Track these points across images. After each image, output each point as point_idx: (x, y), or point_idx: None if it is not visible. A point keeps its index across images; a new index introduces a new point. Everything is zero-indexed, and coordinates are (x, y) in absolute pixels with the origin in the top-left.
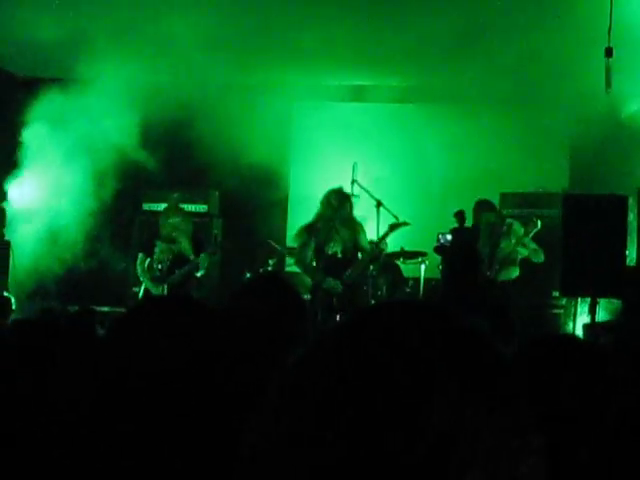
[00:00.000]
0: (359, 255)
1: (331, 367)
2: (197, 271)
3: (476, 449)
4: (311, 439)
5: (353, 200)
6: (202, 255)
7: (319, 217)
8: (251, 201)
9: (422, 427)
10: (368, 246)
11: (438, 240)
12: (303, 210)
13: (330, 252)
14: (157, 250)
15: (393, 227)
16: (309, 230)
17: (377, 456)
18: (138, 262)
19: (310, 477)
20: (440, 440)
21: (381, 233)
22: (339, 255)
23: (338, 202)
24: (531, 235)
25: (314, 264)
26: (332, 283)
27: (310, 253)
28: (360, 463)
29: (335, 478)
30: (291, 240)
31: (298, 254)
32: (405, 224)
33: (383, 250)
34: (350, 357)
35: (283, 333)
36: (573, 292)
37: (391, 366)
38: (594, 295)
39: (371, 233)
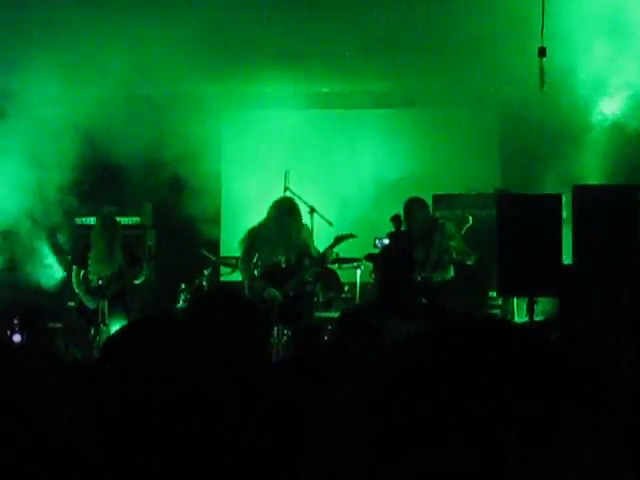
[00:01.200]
0: (306, 262)
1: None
2: (134, 280)
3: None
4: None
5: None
6: (137, 268)
7: (263, 225)
8: (184, 212)
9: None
10: (315, 254)
11: (375, 245)
12: (236, 219)
13: (273, 261)
14: (91, 263)
15: (339, 239)
16: (253, 238)
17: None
18: (73, 274)
19: None
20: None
21: (317, 242)
22: (283, 265)
23: (283, 211)
24: (463, 231)
25: (256, 273)
26: (272, 293)
27: (253, 261)
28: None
29: None
30: (226, 249)
31: (241, 262)
32: (351, 236)
33: (328, 262)
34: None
35: (244, 348)
36: (510, 292)
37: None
38: (531, 295)
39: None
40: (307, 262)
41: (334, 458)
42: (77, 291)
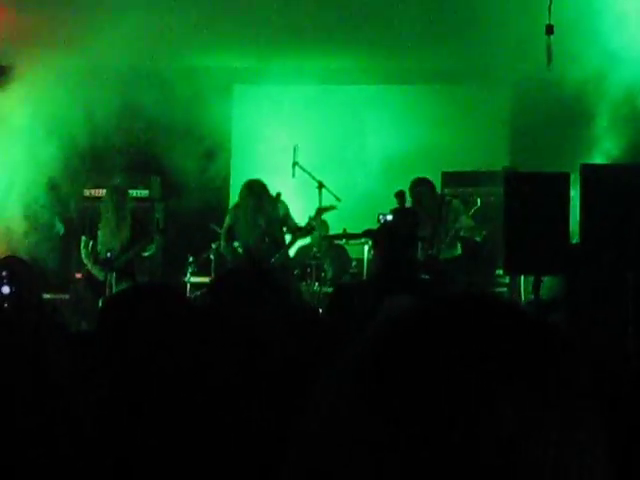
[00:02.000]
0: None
1: (395, 357)
2: (142, 253)
3: (547, 451)
4: (367, 438)
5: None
6: (145, 240)
7: (240, 206)
8: (193, 185)
9: (487, 425)
10: (295, 225)
11: (379, 220)
12: None
13: (254, 240)
14: (100, 234)
15: (321, 211)
16: (235, 214)
17: (438, 457)
18: (82, 245)
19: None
20: (508, 442)
21: (326, 217)
22: (266, 240)
23: (255, 194)
24: (471, 212)
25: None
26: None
27: (236, 238)
28: (418, 461)
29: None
30: None
31: (223, 238)
32: (332, 208)
33: (314, 227)
34: (417, 348)
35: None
36: (516, 270)
37: (459, 360)
38: (537, 273)
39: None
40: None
41: (318, 450)
42: (85, 262)
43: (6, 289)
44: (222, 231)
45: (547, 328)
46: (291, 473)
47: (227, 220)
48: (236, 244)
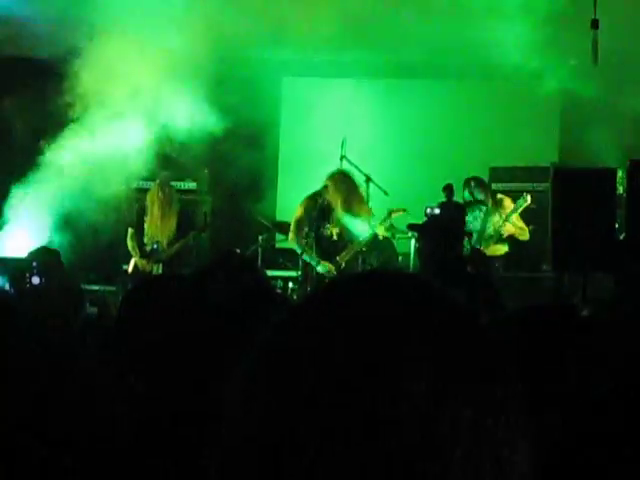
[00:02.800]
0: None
1: (305, 335)
2: (190, 244)
3: (458, 429)
4: (282, 418)
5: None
6: (192, 233)
7: (320, 196)
8: (241, 178)
9: (397, 404)
10: (364, 231)
11: (426, 214)
12: (293, 186)
13: (327, 233)
14: (146, 227)
15: (391, 213)
16: (309, 206)
17: (354, 440)
18: (128, 237)
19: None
20: (420, 421)
21: (374, 210)
22: (334, 237)
23: (341, 184)
24: (520, 210)
25: (305, 242)
26: (326, 267)
27: (305, 230)
28: (334, 440)
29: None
30: (282, 216)
31: (293, 230)
32: (403, 210)
33: (377, 235)
34: (326, 323)
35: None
36: (564, 266)
37: (366, 336)
38: (585, 269)
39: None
40: (359, 235)
41: (224, 454)
42: (132, 254)
43: (36, 279)
44: (293, 222)
45: (455, 304)
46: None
47: (301, 211)
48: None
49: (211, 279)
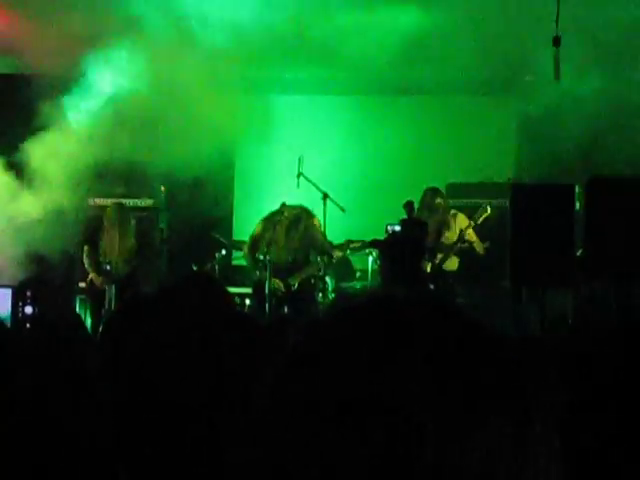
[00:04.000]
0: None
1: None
2: (147, 264)
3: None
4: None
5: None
6: (150, 253)
7: (278, 216)
8: (197, 195)
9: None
10: (323, 251)
11: (387, 231)
12: (250, 203)
13: (280, 260)
14: (103, 245)
15: (349, 243)
16: (267, 226)
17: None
18: (85, 254)
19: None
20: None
21: (329, 228)
22: (289, 259)
23: (295, 214)
24: (480, 220)
25: (261, 258)
26: (276, 284)
27: (261, 248)
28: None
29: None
30: (239, 232)
31: (249, 246)
32: (361, 243)
33: (333, 260)
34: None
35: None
36: (522, 282)
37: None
38: (543, 285)
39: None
40: (314, 258)
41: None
42: (89, 270)
43: (29, 309)
44: (248, 241)
45: (472, 327)
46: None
47: (256, 230)
48: (260, 256)
49: (184, 298)
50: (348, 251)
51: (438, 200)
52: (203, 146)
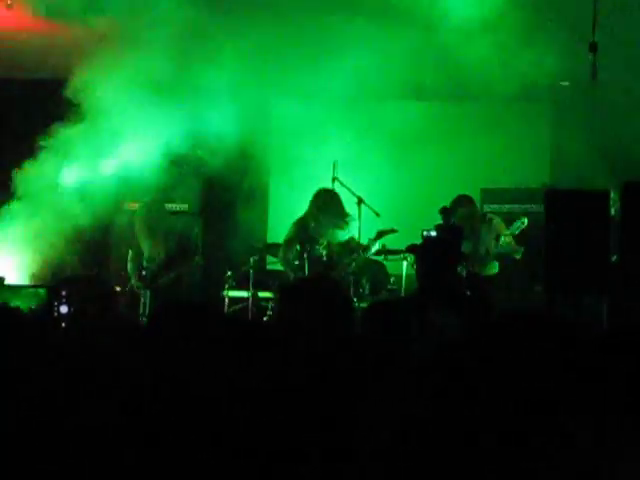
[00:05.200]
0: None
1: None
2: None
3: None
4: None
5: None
6: (190, 261)
7: (307, 216)
8: (232, 200)
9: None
10: (357, 247)
11: (422, 236)
12: (284, 208)
13: (315, 253)
14: (146, 249)
15: (381, 234)
16: (297, 228)
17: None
18: (129, 258)
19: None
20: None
21: (364, 233)
22: (324, 258)
23: (326, 202)
24: (517, 232)
25: (296, 263)
26: None
27: (295, 252)
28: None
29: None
30: (273, 237)
31: (283, 251)
32: (393, 231)
33: (366, 255)
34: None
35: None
36: (557, 288)
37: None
38: (578, 291)
39: (354, 230)
40: (347, 256)
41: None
42: (130, 275)
43: (64, 309)
44: (283, 243)
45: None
46: None
47: (292, 231)
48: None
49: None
50: (378, 245)
51: (466, 207)
52: (239, 152)
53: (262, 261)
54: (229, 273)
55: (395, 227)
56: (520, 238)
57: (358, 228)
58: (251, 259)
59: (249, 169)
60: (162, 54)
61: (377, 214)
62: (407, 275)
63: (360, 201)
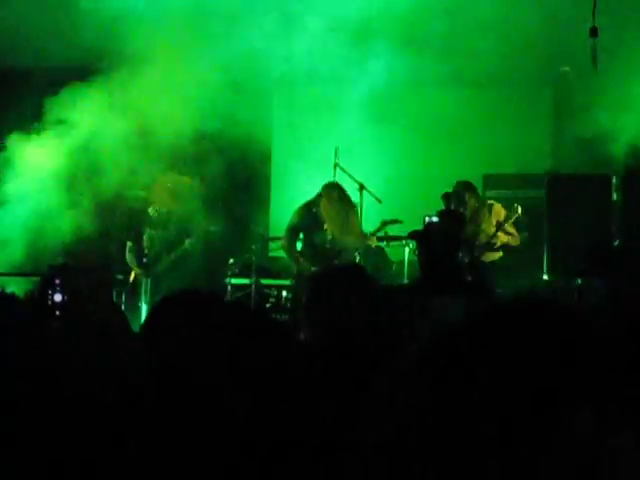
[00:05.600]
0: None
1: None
2: (185, 258)
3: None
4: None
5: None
6: (187, 241)
7: (314, 205)
8: (233, 186)
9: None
10: (357, 235)
11: (424, 222)
12: (286, 194)
13: (319, 241)
14: (145, 237)
15: (385, 223)
16: (301, 215)
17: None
18: (127, 250)
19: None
20: (582, 442)
21: (365, 219)
22: (327, 245)
23: (332, 195)
24: (511, 221)
25: (298, 250)
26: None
27: (299, 237)
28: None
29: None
30: (275, 225)
31: (286, 238)
32: (397, 221)
33: (370, 245)
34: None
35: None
36: (559, 273)
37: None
38: (581, 276)
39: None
40: (350, 242)
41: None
42: (130, 265)
43: (58, 297)
44: (287, 230)
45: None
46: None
47: (296, 219)
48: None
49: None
50: (384, 242)
51: (468, 194)
52: (240, 139)
53: (264, 248)
54: (231, 261)
55: (397, 213)
56: (522, 224)
57: (360, 215)
58: (253, 246)
59: (251, 155)
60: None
61: (379, 200)
62: (409, 261)
63: (362, 187)
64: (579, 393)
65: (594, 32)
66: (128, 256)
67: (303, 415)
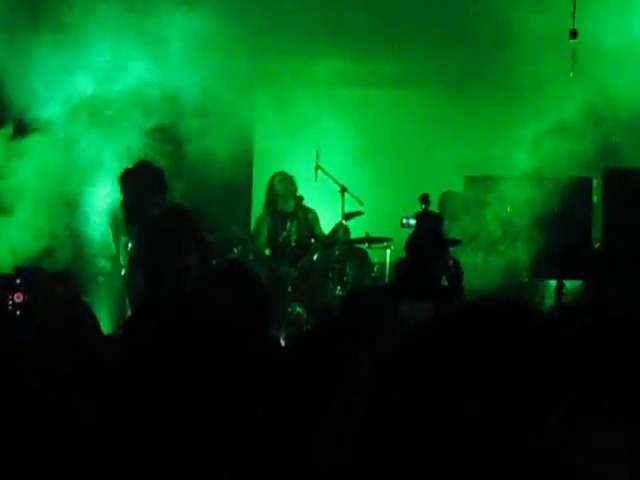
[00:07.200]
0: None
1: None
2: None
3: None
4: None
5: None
6: None
7: (268, 203)
8: (214, 188)
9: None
10: (322, 233)
11: (402, 224)
12: None
13: (282, 240)
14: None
15: (348, 216)
16: (262, 215)
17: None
18: (122, 246)
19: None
20: (549, 450)
21: (350, 221)
22: (292, 244)
23: (284, 186)
24: (499, 219)
25: (267, 252)
26: (287, 270)
27: (263, 240)
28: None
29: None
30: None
31: (254, 241)
32: (359, 213)
33: (338, 238)
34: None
35: (242, 323)
36: (540, 274)
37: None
38: (561, 277)
39: (336, 219)
40: (313, 241)
41: (348, 446)
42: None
43: (19, 297)
44: (254, 227)
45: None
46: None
47: (257, 221)
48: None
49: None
50: (366, 244)
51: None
52: (221, 140)
53: (246, 250)
54: (213, 262)
55: (380, 216)
56: (505, 226)
57: (341, 217)
58: (235, 249)
59: (232, 158)
60: None
61: (361, 202)
62: (390, 263)
63: (343, 190)
64: (559, 392)
65: (573, 34)
66: (122, 254)
67: (280, 416)
